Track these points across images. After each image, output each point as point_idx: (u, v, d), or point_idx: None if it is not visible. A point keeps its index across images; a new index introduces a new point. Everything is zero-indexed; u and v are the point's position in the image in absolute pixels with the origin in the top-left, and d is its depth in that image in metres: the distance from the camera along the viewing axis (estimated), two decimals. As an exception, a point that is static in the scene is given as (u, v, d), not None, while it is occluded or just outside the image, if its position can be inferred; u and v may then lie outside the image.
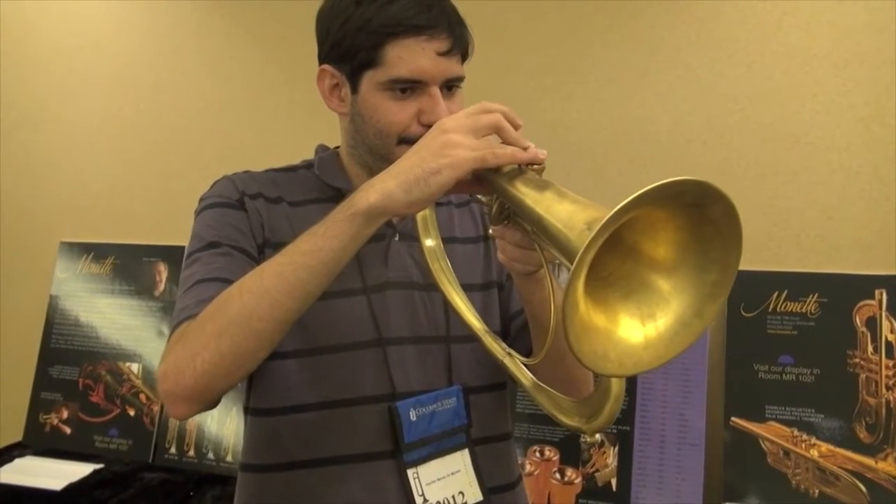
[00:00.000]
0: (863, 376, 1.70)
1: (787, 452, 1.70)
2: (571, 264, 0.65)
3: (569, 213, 0.73)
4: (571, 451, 1.85)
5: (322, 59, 1.06)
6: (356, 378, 1.03)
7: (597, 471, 1.82)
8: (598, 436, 0.88)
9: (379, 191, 0.84)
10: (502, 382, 1.14)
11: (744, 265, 1.90)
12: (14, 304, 2.51)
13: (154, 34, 2.39)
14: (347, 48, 1.01)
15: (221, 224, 1.03)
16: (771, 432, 1.72)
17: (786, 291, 1.77)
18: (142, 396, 2.20)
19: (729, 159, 1.85)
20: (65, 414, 2.27)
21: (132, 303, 2.28)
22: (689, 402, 1.79)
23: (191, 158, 2.35)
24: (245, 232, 1.03)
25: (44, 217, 2.50)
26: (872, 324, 1.71)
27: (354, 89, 1.03)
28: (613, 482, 1.80)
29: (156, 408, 2.18)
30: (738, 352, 1.78)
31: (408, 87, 1.00)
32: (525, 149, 0.83)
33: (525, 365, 0.93)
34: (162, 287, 2.27)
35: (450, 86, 1.02)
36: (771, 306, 1.77)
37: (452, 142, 0.83)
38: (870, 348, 1.70)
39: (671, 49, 1.90)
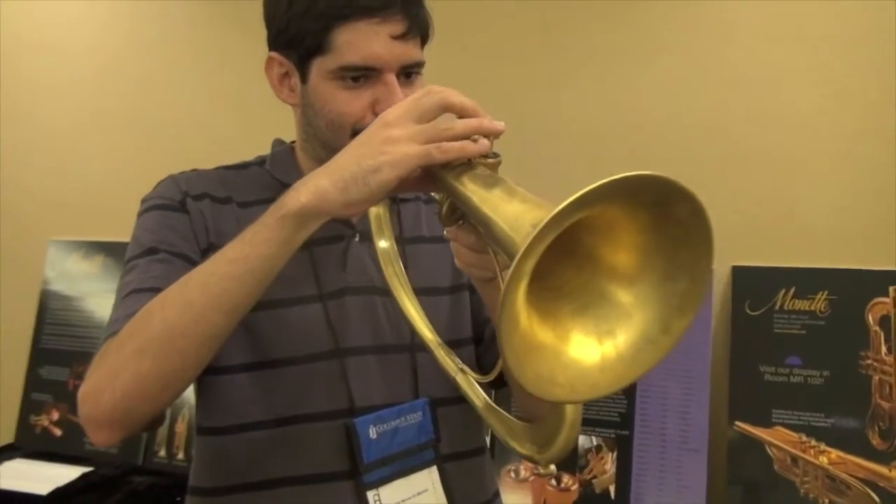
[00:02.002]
0: (876, 378, 1.60)
1: (794, 459, 1.61)
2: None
3: (516, 213, 0.64)
4: (569, 456, 1.76)
5: (270, 45, 0.98)
6: (311, 392, 0.96)
7: (594, 477, 1.74)
8: (552, 467, 0.80)
9: (311, 190, 0.77)
10: (474, 394, 1.06)
11: (749, 260, 1.82)
12: (4, 303, 2.47)
13: (139, 28, 2.33)
14: (294, 34, 0.93)
15: (161, 228, 0.96)
16: (778, 438, 1.63)
17: (794, 288, 1.67)
18: (131, 398, 2.15)
19: (732, 148, 1.75)
20: (55, 415, 2.22)
21: (122, 302, 2.23)
22: (692, 405, 1.70)
23: (179, 153, 2.27)
24: (186, 236, 0.96)
25: (32, 215, 2.45)
26: (886, 322, 1.61)
27: (304, 78, 0.96)
28: (612, 489, 1.72)
29: (144, 410, 2.12)
30: (742, 352, 1.68)
31: (360, 74, 0.92)
32: (475, 140, 0.74)
33: (480, 383, 0.85)
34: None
35: (408, 72, 0.94)
36: (778, 304, 1.68)
37: (394, 136, 0.75)
38: (883, 349, 1.60)
39: (670, 33, 1.80)
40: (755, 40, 1.73)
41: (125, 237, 2.37)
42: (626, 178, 0.54)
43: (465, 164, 0.74)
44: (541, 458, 0.80)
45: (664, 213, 0.58)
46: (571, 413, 0.78)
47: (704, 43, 1.77)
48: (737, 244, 1.72)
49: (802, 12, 1.70)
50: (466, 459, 1.04)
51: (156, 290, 0.87)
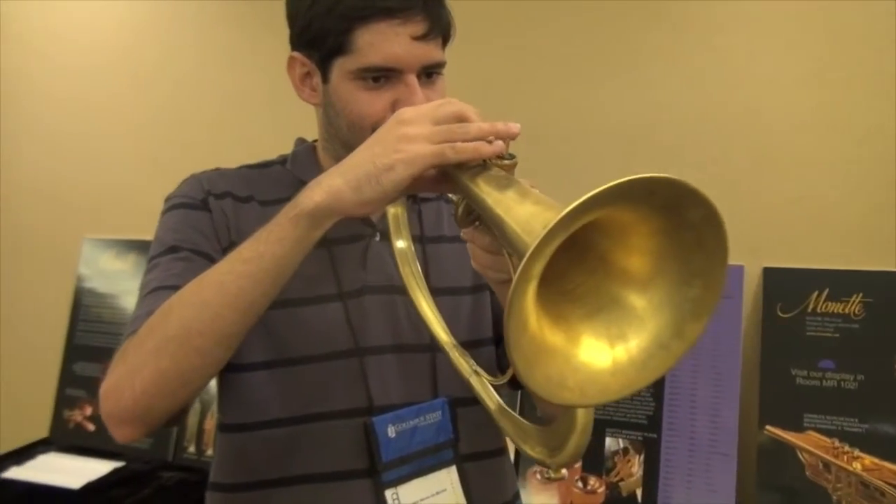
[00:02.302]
0: (912, 383, 1.56)
1: (827, 465, 1.57)
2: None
3: (529, 214, 0.64)
4: (595, 457, 1.75)
5: (292, 44, 0.99)
6: (329, 391, 0.96)
7: (621, 480, 1.72)
8: (563, 471, 0.79)
9: (325, 189, 0.77)
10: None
11: (782, 262, 1.78)
12: (39, 300, 2.52)
13: (172, 29, 2.36)
14: (316, 33, 0.93)
15: (183, 226, 0.96)
16: (810, 443, 1.59)
17: (827, 290, 1.64)
18: (161, 394, 2.18)
19: (764, 148, 1.72)
20: (88, 411, 2.26)
21: (153, 299, 2.26)
22: (722, 408, 1.67)
23: (211, 153, 2.29)
24: (208, 234, 0.96)
25: (67, 213, 2.50)
26: (924, 326, 1.57)
27: (325, 78, 0.96)
28: (639, 492, 1.70)
29: (175, 406, 2.15)
30: (774, 355, 1.65)
31: (381, 75, 0.92)
32: (491, 141, 0.74)
33: (494, 385, 0.84)
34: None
35: (429, 73, 0.94)
36: (811, 306, 1.64)
37: (409, 135, 0.75)
38: (921, 352, 1.56)
39: (702, 30, 1.77)
40: (791, 37, 1.69)
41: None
42: (635, 180, 0.53)
43: (481, 166, 0.74)
44: (551, 462, 0.79)
45: (677, 217, 0.57)
46: (582, 418, 0.77)
47: (738, 40, 1.74)
48: (769, 245, 1.69)
49: (842, 7, 1.66)
50: (486, 460, 1.03)
51: (176, 289, 0.88)
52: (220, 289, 0.79)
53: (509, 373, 0.76)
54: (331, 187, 0.77)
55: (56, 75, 2.51)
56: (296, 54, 0.98)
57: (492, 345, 1.05)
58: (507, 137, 0.75)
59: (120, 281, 2.31)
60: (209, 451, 2.08)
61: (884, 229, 1.63)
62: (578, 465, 1.76)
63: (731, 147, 1.74)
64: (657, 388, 1.74)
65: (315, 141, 1.08)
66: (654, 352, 0.61)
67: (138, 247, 2.31)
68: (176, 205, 0.99)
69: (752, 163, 1.73)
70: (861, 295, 1.61)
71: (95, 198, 2.46)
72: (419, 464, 0.97)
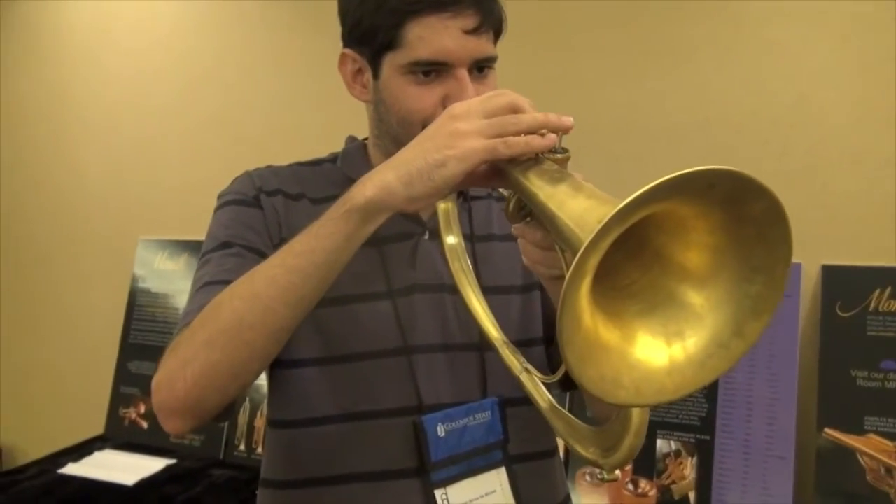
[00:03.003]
0: (979, 385, 1.50)
1: (889, 470, 1.52)
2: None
3: (582, 209, 0.62)
4: (646, 459, 1.72)
5: (343, 41, 0.99)
6: (379, 389, 0.95)
7: (673, 483, 1.69)
8: (616, 473, 0.77)
9: (377, 184, 0.77)
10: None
11: (841, 259, 1.73)
12: (97, 300, 2.58)
13: (219, 30, 2.40)
14: (366, 29, 0.93)
15: (235, 223, 0.97)
16: (870, 446, 1.54)
17: (889, 288, 1.58)
18: (213, 393, 2.21)
19: (820, 143, 1.67)
20: (142, 408, 2.30)
21: (205, 299, 2.29)
22: (778, 410, 1.63)
23: (259, 153, 2.31)
24: (260, 231, 0.97)
25: (124, 214, 2.55)
26: None
27: (376, 74, 0.95)
28: (692, 496, 1.66)
29: (226, 404, 2.18)
30: (833, 355, 1.60)
31: (431, 69, 0.91)
32: (543, 134, 0.72)
33: (545, 383, 0.83)
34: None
35: (480, 67, 0.93)
36: (871, 305, 1.59)
37: (460, 130, 0.74)
38: None
39: (755, 22, 1.73)
40: (846, 28, 1.64)
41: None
42: (695, 172, 0.51)
43: (532, 160, 0.73)
44: (605, 463, 0.77)
45: (738, 210, 0.55)
46: (637, 419, 0.75)
47: (792, 32, 1.69)
48: (827, 242, 1.65)
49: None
50: (536, 461, 1.02)
51: (228, 283, 0.88)
52: (271, 282, 0.79)
53: (561, 370, 0.74)
54: (382, 182, 0.76)
55: (111, 80, 2.57)
56: (347, 51, 0.98)
57: (542, 344, 1.03)
58: (560, 130, 0.73)
59: (173, 281, 2.36)
60: (259, 450, 2.10)
61: (949, 224, 1.57)
62: (629, 467, 1.74)
63: (786, 142, 1.70)
64: (711, 389, 1.70)
65: (366, 139, 1.08)
66: (713, 351, 0.59)
67: (191, 247, 2.35)
68: (229, 201, 1.00)
69: (808, 158, 1.68)
70: (925, 293, 1.56)
71: (150, 200, 2.51)
72: (469, 464, 0.96)
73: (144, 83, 2.51)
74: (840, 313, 1.62)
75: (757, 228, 0.56)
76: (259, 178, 1.02)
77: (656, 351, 0.60)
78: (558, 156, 0.73)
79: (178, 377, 0.81)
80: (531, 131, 0.73)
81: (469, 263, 0.94)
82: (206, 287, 0.90)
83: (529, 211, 0.77)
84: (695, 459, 1.68)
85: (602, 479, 0.75)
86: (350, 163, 1.04)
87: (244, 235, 0.96)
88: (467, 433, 0.96)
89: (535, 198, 0.69)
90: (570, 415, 0.82)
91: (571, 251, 0.63)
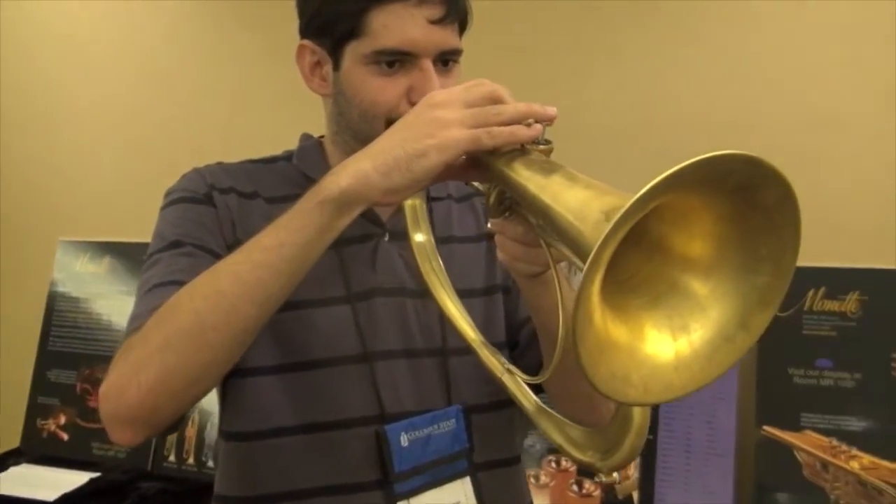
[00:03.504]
0: (909, 380, 1.56)
1: (824, 464, 1.56)
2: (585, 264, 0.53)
3: (581, 200, 0.60)
4: (590, 461, 1.72)
5: (301, 33, 0.95)
6: (339, 398, 0.92)
7: (617, 482, 1.69)
8: (615, 475, 0.75)
9: (352, 174, 0.73)
10: (508, 400, 1.00)
11: (777, 260, 1.75)
12: (12, 304, 2.43)
13: (147, 23, 2.30)
14: (327, 18, 0.89)
15: (185, 221, 0.92)
16: (807, 442, 1.59)
17: (823, 288, 1.63)
18: (140, 402, 2.11)
19: (763, 145, 1.71)
20: (62, 419, 2.18)
21: (130, 303, 2.19)
22: (718, 409, 1.65)
23: (189, 152, 2.23)
24: (212, 230, 0.92)
25: (42, 215, 2.42)
26: (919, 323, 1.57)
27: (336, 65, 0.91)
28: (635, 495, 1.68)
29: (154, 414, 2.09)
30: (771, 354, 1.64)
31: (395, 59, 0.88)
32: (529, 125, 0.70)
33: (529, 384, 0.80)
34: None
35: (445, 60, 0.90)
36: (807, 305, 1.64)
37: (442, 119, 0.71)
38: (917, 350, 1.56)
39: (702, 26, 1.77)
40: (788, 35, 1.69)
41: (132, 237, 2.32)
42: (713, 158, 0.50)
43: (517, 150, 0.70)
44: (603, 466, 0.75)
45: (749, 199, 0.54)
46: (639, 417, 0.73)
47: (733, 37, 1.74)
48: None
49: (835, 4, 1.66)
50: (501, 469, 1.00)
51: (180, 283, 0.83)
52: (236, 279, 0.75)
53: (549, 370, 0.73)
54: (358, 171, 0.72)
55: (35, 76, 2.44)
56: (305, 42, 0.94)
57: (506, 349, 1.01)
58: (544, 120, 0.71)
59: (95, 285, 2.24)
60: (190, 460, 2.01)
61: (880, 228, 1.63)
62: (573, 467, 1.74)
63: (728, 144, 1.72)
64: (653, 389, 1.72)
65: (321, 137, 1.03)
66: (720, 344, 0.57)
67: (115, 250, 2.23)
68: (178, 199, 0.95)
69: (745, 160, 1.72)
70: (858, 293, 1.61)
71: (71, 199, 2.38)
72: (433, 474, 0.93)
73: (65, 78, 2.39)
74: (777, 313, 1.64)
75: (767, 217, 0.55)
76: (211, 176, 0.96)
77: (663, 346, 0.58)
78: (542, 147, 0.70)
79: (129, 384, 0.75)
80: (514, 121, 0.70)
81: (440, 263, 0.91)
82: (157, 289, 0.84)
83: (510, 205, 0.75)
84: (638, 459, 1.69)
85: (600, 482, 0.73)
86: (306, 161, 1.00)
87: (195, 234, 0.91)
88: (432, 442, 0.93)
89: (524, 190, 0.66)
90: (560, 416, 0.79)
91: (570, 245, 0.61)
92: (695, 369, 0.57)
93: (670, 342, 0.58)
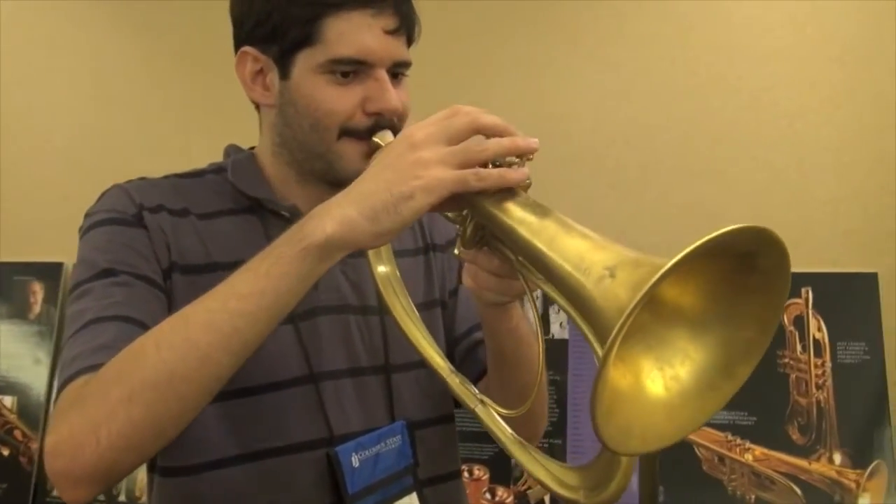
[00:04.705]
0: (793, 376, 1.67)
1: (721, 458, 1.66)
2: (584, 315, 0.56)
3: (578, 251, 0.61)
4: (502, 469, 1.75)
5: (242, 40, 0.90)
6: (285, 422, 0.88)
7: (529, 489, 1.73)
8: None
9: (338, 219, 0.70)
10: (449, 415, 1.01)
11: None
12: None
13: (22, 24, 2.14)
14: (276, 24, 0.85)
15: (115, 246, 0.84)
16: (706, 438, 1.68)
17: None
18: (17, 433, 1.96)
19: (652, 158, 1.80)
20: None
21: (4, 327, 2.02)
22: (622, 410, 1.72)
23: (66, 163, 2.11)
24: (146, 255, 0.85)
25: None
26: (800, 322, 1.69)
27: (284, 74, 0.88)
28: (546, 499, 1.71)
29: (34, 445, 1.94)
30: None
31: (351, 69, 0.85)
32: (517, 164, 0.70)
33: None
34: (38, 309, 2.02)
35: (396, 72, 0.89)
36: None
37: (425, 160, 0.69)
38: (798, 347, 1.68)
39: (592, 43, 1.83)
40: (675, 52, 1.79)
41: (4, 257, 2.12)
42: (727, 233, 0.51)
43: (505, 190, 0.70)
44: (587, 502, 0.73)
45: (749, 262, 0.56)
46: (626, 458, 0.71)
47: (627, 55, 1.82)
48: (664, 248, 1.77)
49: (720, 26, 1.77)
50: (444, 483, 0.99)
51: (120, 319, 0.77)
52: (209, 328, 0.70)
53: (526, 406, 0.73)
54: (343, 217, 0.69)
55: None
56: (248, 49, 0.89)
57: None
58: (527, 153, 0.71)
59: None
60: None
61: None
62: (486, 476, 1.76)
63: (619, 158, 1.81)
64: (560, 395, 1.76)
65: (252, 148, 0.99)
66: (705, 393, 0.59)
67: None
68: (102, 220, 0.87)
69: (639, 173, 1.80)
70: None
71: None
72: (384, 493, 0.91)
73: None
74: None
75: (762, 279, 0.57)
76: (138, 193, 0.89)
77: (657, 395, 0.59)
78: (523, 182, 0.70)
79: (86, 441, 0.69)
80: (499, 156, 0.70)
81: (404, 289, 0.88)
82: (96, 324, 0.78)
83: (484, 238, 0.74)
84: (548, 463, 1.73)
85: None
86: (241, 175, 0.94)
87: (128, 261, 0.84)
88: (380, 460, 0.91)
89: (513, 232, 0.66)
90: (538, 451, 0.77)
91: (569, 296, 0.61)
92: (684, 417, 0.59)
93: (664, 392, 0.59)
